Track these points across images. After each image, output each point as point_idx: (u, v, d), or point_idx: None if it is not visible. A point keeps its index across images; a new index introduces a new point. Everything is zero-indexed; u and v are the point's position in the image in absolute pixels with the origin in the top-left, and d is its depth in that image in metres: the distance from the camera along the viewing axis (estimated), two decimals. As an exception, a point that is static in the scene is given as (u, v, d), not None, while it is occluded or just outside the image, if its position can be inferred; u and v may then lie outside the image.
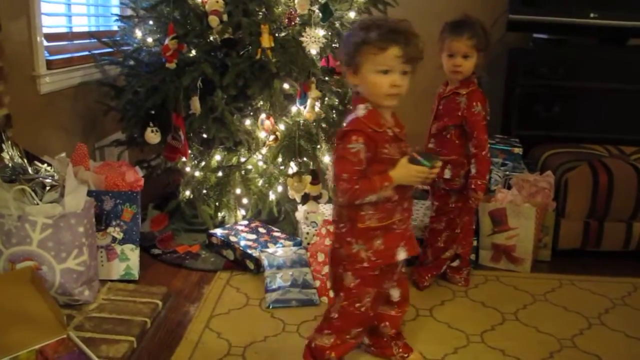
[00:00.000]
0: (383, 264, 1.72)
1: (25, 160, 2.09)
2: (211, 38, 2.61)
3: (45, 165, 2.14)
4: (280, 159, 2.72)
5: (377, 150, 1.63)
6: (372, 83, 1.62)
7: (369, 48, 1.59)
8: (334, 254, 1.77)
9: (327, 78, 2.71)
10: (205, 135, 2.77)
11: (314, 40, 2.49)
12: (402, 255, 1.73)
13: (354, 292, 1.74)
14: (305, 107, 2.61)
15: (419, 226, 2.59)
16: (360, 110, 1.66)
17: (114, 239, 2.39)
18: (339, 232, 1.74)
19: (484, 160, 2.27)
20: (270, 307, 2.25)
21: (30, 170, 2.07)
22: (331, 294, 2.27)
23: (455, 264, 2.49)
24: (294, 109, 2.70)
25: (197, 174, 2.82)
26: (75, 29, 2.99)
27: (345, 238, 1.71)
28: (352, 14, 2.77)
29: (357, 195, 1.62)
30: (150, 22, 2.78)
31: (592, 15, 3.19)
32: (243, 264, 2.55)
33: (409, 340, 2.04)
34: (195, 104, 2.58)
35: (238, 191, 2.79)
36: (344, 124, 1.68)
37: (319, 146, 2.78)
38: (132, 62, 2.83)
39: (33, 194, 2.05)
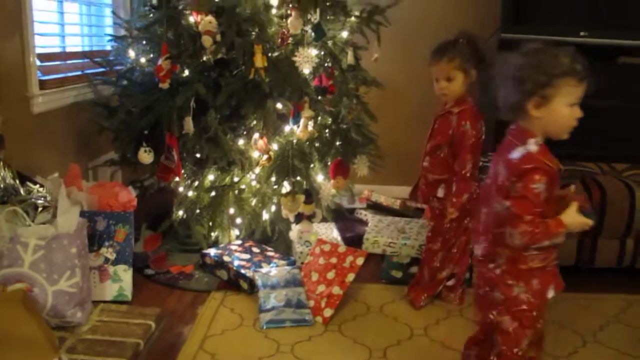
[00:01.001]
0: (540, 304, 1.65)
1: (18, 181, 2.08)
2: (204, 58, 2.62)
3: (38, 186, 2.13)
4: (273, 179, 2.73)
5: (552, 191, 1.56)
6: (562, 116, 1.57)
7: (570, 80, 1.53)
8: (486, 298, 1.68)
9: (320, 97, 2.72)
10: (198, 155, 2.77)
11: (307, 60, 2.50)
12: (551, 293, 1.66)
13: (512, 336, 1.65)
14: (298, 127, 2.62)
15: (413, 245, 2.59)
16: (532, 145, 1.56)
17: (107, 260, 2.37)
18: (492, 274, 1.65)
19: (462, 180, 2.27)
20: (264, 327, 2.24)
21: (22, 191, 2.07)
22: (325, 313, 2.26)
23: (450, 282, 2.49)
24: (287, 128, 2.70)
25: (190, 193, 2.81)
26: (68, 49, 3.00)
27: (505, 281, 1.62)
28: (344, 34, 2.80)
29: (537, 239, 1.54)
30: (144, 42, 2.80)
31: (582, 33, 3.22)
32: (237, 284, 2.53)
33: (404, 360, 2.04)
34: (189, 124, 2.58)
35: (231, 211, 2.79)
36: (514, 159, 1.57)
37: (312, 165, 2.79)
38: (125, 82, 2.84)
39: (25, 215, 2.04)
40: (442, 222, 2.38)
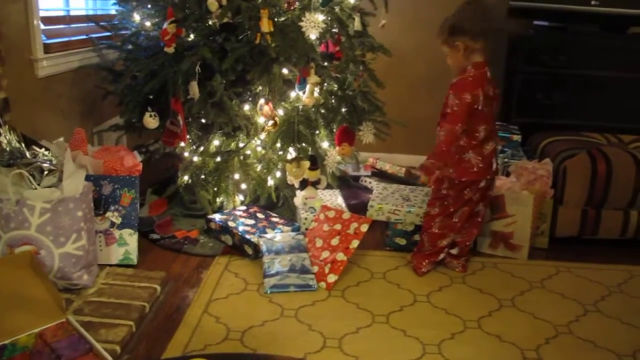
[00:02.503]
0: None
1: (23, 145, 2.08)
2: (210, 22, 2.59)
3: (43, 149, 2.13)
4: (279, 145, 2.72)
5: None
6: None
7: None
8: None
9: (326, 64, 2.70)
10: (204, 120, 2.76)
11: (314, 25, 2.47)
12: None
13: None
14: (304, 93, 2.60)
15: (417, 212, 2.60)
16: None
17: (113, 224, 2.39)
18: None
19: (438, 145, 2.30)
20: (269, 292, 2.26)
21: (28, 154, 2.07)
22: (329, 279, 2.29)
23: (454, 251, 2.51)
24: (293, 94, 2.69)
25: (195, 159, 2.81)
26: (72, 12, 2.97)
27: None
28: (351, 0, 2.76)
29: None
30: (149, 6, 2.77)
31: (593, 2, 3.17)
32: (241, 249, 2.55)
33: (406, 325, 2.06)
34: (194, 89, 2.57)
35: (237, 176, 2.79)
36: None
37: (317, 132, 2.78)
38: (130, 47, 2.81)
39: (31, 179, 2.04)
40: (439, 187, 2.43)
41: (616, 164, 2.64)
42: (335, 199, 2.95)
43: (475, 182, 2.37)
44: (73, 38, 2.82)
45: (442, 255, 2.49)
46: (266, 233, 2.56)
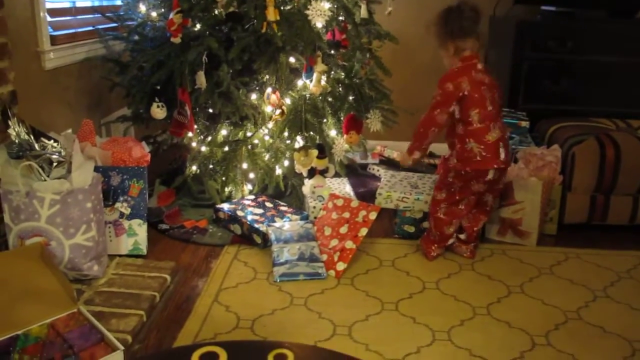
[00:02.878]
0: None
1: (32, 137, 2.09)
2: (216, 12, 2.59)
3: (52, 141, 2.14)
4: (286, 134, 2.72)
5: None
6: None
7: None
8: None
9: (333, 52, 2.69)
10: (211, 110, 2.77)
11: (320, 13, 2.46)
12: None
13: None
14: (311, 81, 2.60)
15: (425, 200, 2.59)
16: None
17: (122, 215, 2.40)
18: None
19: (417, 126, 2.44)
20: (278, 280, 2.27)
21: (37, 146, 2.08)
22: (338, 267, 2.29)
23: (462, 236, 2.51)
24: (300, 83, 2.69)
25: (203, 149, 2.82)
26: (78, 4, 2.96)
27: None
28: (357, -13, 2.75)
29: None
30: (155, -4, 2.76)
31: (601, -14, 3.15)
32: (250, 238, 2.56)
33: (415, 313, 2.06)
34: (201, 79, 2.57)
35: (245, 166, 2.79)
36: None
37: (325, 120, 2.78)
38: (136, 37, 2.82)
39: (40, 170, 2.05)
40: (446, 174, 2.44)
41: (625, 149, 2.63)
42: (344, 187, 2.95)
43: (481, 174, 2.35)
44: (79, 30, 2.82)
45: (451, 241, 2.50)
46: (275, 222, 2.57)
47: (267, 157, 2.79)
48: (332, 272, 2.33)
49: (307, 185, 2.75)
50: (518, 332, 1.99)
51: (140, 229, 2.41)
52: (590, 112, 3.16)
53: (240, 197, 2.83)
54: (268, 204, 2.76)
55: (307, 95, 2.68)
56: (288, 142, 2.77)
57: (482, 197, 2.46)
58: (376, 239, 2.63)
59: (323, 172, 2.71)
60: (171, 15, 2.49)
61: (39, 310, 1.83)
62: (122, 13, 2.92)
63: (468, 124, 2.32)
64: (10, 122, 2.05)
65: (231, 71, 2.58)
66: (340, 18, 2.66)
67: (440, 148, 3.55)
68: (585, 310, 2.13)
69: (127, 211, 2.39)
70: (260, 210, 2.68)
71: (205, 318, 2.03)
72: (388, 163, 3.43)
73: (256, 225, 2.53)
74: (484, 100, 2.32)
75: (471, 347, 1.91)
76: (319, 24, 2.50)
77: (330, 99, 2.80)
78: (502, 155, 2.35)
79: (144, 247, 2.42)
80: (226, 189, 2.85)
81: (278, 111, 2.58)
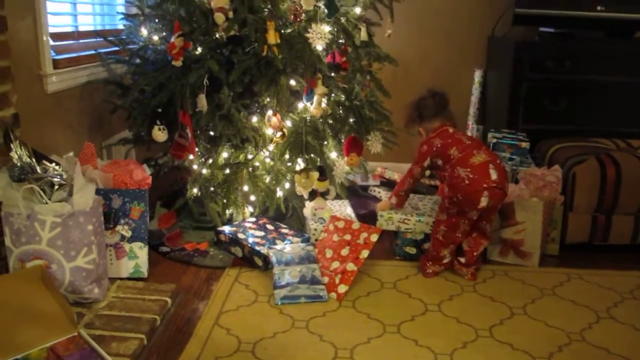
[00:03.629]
0: None
1: (34, 160, 2.09)
2: (217, 35, 2.61)
3: (54, 164, 2.14)
4: (287, 156, 2.73)
5: None
6: None
7: None
8: None
9: (333, 74, 2.71)
10: (212, 133, 2.77)
11: (320, 36, 2.49)
12: None
13: None
14: (311, 104, 2.61)
15: (427, 221, 2.59)
16: None
17: (123, 237, 2.39)
18: None
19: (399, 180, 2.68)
20: (279, 303, 2.26)
21: (38, 169, 2.08)
22: (340, 289, 2.29)
23: (463, 260, 2.51)
24: (300, 105, 2.70)
25: (204, 171, 2.82)
26: (81, 28, 3.00)
27: None
28: (357, 10, 2.78)
29: None
30: (156, 20, 2.79)
31: (598, 8, 3.18)
32: (251, 260, 2.55)
33: (418, 335, 2.05)
34: (202, 102, 2.58)
35: (245, 188, 2.80)
36: None
37: (326, 142, 2.79)
38: (138, 60, 2.84)
39: (42, 193, 2.06)
40: (444, 201, 2.48)
41: (625, 168, 2.63)
42: (345, 209, 2.95)
43: (473, 201, 2.35)
44: (82, 53, 2.84)
45: (446, 260, 2.50)
46: (276, 244, 2.56)
47: (268, 179, 2.79)
48: (333, 295, 2.31)
49: (308, 208, 2.75)
50: (521, 355, 1.98)
51: (141, 252, 2.41)
52: (590, 132, 3.17)
53: (241, 220, 2.83)
54: (269, 226, 2.76)
55: (308, 118, 2.69)
56: (289, 164, 2.77)
57: (479, 224, 2.47)
58: (377, 261, 2.62)
59: (324, 194, 2.71)
60: (172, 39, 2.51)
61: (39, 333, 1.82)
62: (124, 37, 2.94)
63: (451, 160, 2.44)
64: (12, 145, 2.05)
65: (232, 94, 2.59)
66: (341, 41, 2.68)
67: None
68: (589, 331, 2.12)
69: (128, 234, 2.39)
70: (262, 233, 2.67)
71: (206, 341, 2.01)
72: (389, 184, 3.44)
73: (257, 248, 2.53)
74: (460, 140, 2.48)
75: (474, 369, 1.90)
76: (320, 46, 2.53)
77: (330, 121, 2.81)
78: (494, 176, 2.34)
79: (144, 270, 2.41)
80: (227, 212, 2.84)
81: (279, 133, 2.59)
